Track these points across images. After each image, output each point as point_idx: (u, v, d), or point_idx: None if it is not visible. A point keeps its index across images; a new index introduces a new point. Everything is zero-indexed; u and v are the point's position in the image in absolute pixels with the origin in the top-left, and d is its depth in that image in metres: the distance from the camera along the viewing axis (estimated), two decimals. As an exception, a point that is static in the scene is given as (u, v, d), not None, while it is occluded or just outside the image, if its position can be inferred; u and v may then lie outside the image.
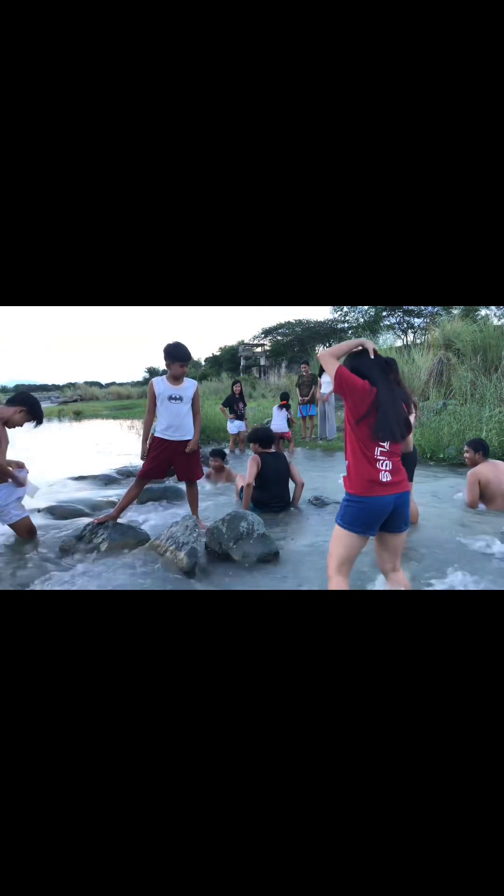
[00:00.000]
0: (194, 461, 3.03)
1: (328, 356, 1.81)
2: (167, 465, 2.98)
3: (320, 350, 17.57)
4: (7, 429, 2.69)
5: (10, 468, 2.70)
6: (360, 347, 1.85)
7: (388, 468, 1.71)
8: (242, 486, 3.57)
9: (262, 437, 3.61)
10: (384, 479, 1.70)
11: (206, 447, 7.19)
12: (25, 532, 2.85)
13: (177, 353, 2.89)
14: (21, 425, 2.79)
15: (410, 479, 3.10)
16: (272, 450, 3.62)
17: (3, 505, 2.73)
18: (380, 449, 1.71)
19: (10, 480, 2.72)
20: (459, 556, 2.61)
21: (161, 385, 2.93)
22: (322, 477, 4.86)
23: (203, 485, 4.35)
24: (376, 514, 1.72)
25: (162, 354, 2.94)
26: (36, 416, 2.79)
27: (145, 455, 2.95)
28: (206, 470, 4.44)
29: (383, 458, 1.71)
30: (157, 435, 2.96)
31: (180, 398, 2.92)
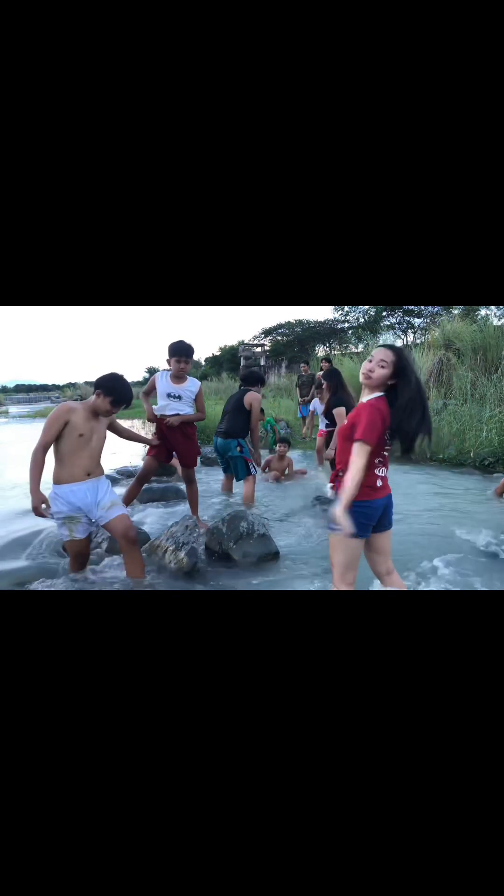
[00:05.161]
0: (191, 448, 3.08)
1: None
2: (168, 449, 3.06)
3: (319, 350, 17.54)
4: (94, 419, 2.22)
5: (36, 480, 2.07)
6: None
7: (383, 474, 1.75)
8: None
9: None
10: (379, 485, 1.74)
11: (205, 447, 7.17)
12: (73, 555, 2.38)
13: (172, 349, 2.92)
14: (109, 412, 2.25)
15: None
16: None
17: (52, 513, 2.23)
18: (382, 456, 1.72)
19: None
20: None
21: (163, 381, 2.98)
22: (323, 476, 4.86)
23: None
24: (371, 517, 1.75)
25: (165, 353, 2.98)
26: (113, 395, 2.20)
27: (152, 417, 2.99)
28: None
29: (381, 464, 1.74)
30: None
31: (179, 397, 2.95)
